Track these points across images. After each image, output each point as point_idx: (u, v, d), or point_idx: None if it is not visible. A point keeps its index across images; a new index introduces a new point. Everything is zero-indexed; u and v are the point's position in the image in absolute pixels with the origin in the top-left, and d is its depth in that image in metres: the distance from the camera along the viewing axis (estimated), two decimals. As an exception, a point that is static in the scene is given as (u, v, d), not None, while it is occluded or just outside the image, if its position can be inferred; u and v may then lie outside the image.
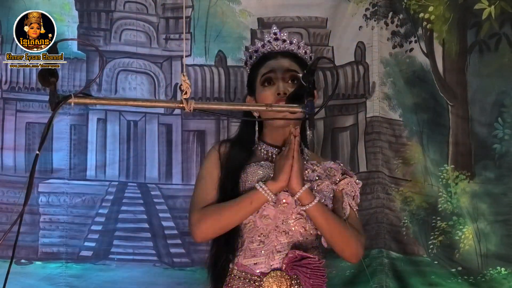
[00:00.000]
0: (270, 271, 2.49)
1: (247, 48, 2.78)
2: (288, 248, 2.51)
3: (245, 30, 3.85)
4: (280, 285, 2.48)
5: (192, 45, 3.82)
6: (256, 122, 2.61)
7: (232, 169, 2.55)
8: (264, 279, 2.48)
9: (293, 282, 2.49)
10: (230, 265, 2.52)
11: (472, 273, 3.69)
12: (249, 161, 2.58)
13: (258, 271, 2.50)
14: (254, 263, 2.51)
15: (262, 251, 2.50)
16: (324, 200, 2.55)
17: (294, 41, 2.70)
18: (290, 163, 2.42)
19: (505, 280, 3.62)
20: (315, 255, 2.52)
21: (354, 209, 2.62)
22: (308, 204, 2.46)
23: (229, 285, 2.52)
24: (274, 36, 2.68)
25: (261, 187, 2.44)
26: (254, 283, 2.49)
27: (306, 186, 2.47)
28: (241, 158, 2.58)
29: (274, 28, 2.72)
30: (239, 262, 2.51)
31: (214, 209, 2.49)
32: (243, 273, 2.51)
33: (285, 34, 2.70)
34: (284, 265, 2.49)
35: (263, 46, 2.69)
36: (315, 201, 2.47)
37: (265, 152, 2.61)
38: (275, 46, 2.66)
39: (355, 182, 2.63)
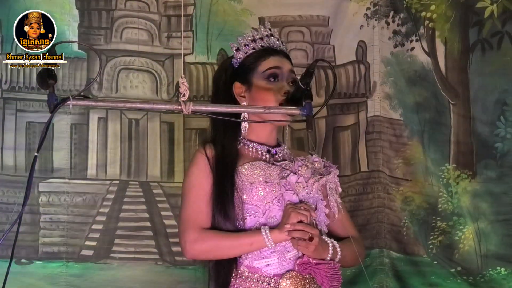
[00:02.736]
0: (286, 272, 2.47)
1: (252, 33, 2.67)
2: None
3: (246, 28, 3.79)
4: (297, 286, 2.47)
5: (194, 43, 3.81)
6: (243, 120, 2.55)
7: (225, 173, 2.49)
8: (280, 281, 2.46)
9: (305, 281, 2.48)
10: (241, 268, 2.49)
11: (471, 274, 3.69)
12: (240, 161, 2.52)
13: (271, 273, 2.47)
14: (266, 265, 2.48)
15: (273, 253, 2.47)
16: (320, 197, 2.55)
17: (283, 42, 2.67)
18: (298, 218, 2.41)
19: (504, 280, 3.62)
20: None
21: (341, 206, 2.60)
22: (335, 259, 2.50)
23: (240, 287, 2.48)
24: (270, 32, 2.64)
25: (265, 233, 2.41)
26: (268, 284, 2.47)
27: (330, 253, 2.49)
28: (231, 160, 2.52)
29: (268, 24, 2.67)
30: (250, 264, 2.48)
31: (213, 237, 2.45)
32: (255, 275, 2.47)
33: (276, 32, 2.67)
34: (297, 266, 2.48)
35: (261, 38, 2.63)
36: (339, 255, 2.50)
37: (254, 151, 2.57)
38: (273, 43, 2.62)
39: (334, 173, 2.59)
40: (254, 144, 2.58)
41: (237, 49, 2.63)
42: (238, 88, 2.60)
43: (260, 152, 2.58)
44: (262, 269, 2.48)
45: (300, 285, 2.47)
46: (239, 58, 2.63)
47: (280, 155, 2.61)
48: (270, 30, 2.64)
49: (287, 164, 2.55)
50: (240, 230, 2.48)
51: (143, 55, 3.79)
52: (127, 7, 3.79)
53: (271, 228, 2.44)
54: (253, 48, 2.62)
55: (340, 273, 2.50)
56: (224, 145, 2.54)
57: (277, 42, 2.64)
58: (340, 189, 2.62)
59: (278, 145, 2.65)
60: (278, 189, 2.50)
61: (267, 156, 2.58)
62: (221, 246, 2.45)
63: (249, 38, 2.63)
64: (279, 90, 2.53)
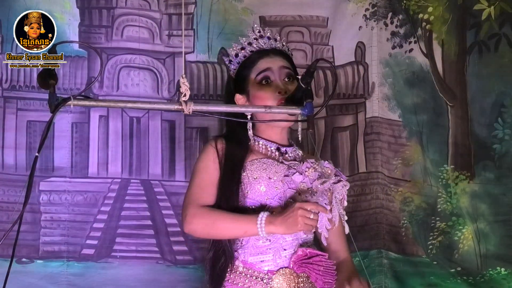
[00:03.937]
0: (279, 269, 2.50)
1: (240, 44, 2.72)
2: (293, 245, 2.53)
3: (247, 28, 3.81)
4: (290, 283, 2.49)
5: (195, 42, 3.82)
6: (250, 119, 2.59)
7: (232, 167, 2.54)
8: (273, 277, 2.49)
9: (299, 280, 2.51)
10: (236, 263, 2.53)
11: (471, 274, 3.69)
12: (249, 157, 2.57)
13: (265, 269, 2.51)
14: (261, 261, 2.52)
15: (269, 249, 2.51)
16: (325, 200, 2.55)
17: (278, 38, 2.69)
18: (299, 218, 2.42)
19: (504, 280, 3.60)
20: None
21: (342, 218, 2.59)
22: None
23: (234, 282, 2.52)
24: (259, 34, 2.68)
25: (260, 223, 2.42)
26: (261, 280, 2.50)
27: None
28: (240, 155, 2.57)
29: (257, 26, 2.71)
30: (245, 260, 2.52)
31: (211, 214, 2.48)
32: (250, 270, 2.51)
33: (269, 30, 2.70)
34: (292, 263, 2.50)
35: (249, 44, 2.67)
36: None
37: (263, 147, 2.61)
38: (263, 44, 2.65)
39: (344, 184, 2.61)
40: (264, 141, 2.63)
41: (230, 61, 2.70)
42: (239, 99, 2.66)
43: (269, 149, 2.62)
44: (256, 265, 2.51)
45: (293, 283, 2.50)
46: (234, 69, 2.68)
47: (291, 155, 2.64)
48: (259, 32, 2.67)
49: (295, 164, 2.58)
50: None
51: (144, 53, 3.80)
52: (128, 5, 3.80)
53: (271, 214, 2.45)
54: (244, 56, 2.65)
55: (334, 268, 2.51)
56: (234, 141, 2.60)
57: (268, 42, 2.66)
58: (346, 203, 2.62)
59: (290, 145, 2.69)
60: (281, 187, 2.53)
61: (276, 153, 2.62)
62: (216, 225, 2.49)
63: (239, 47, 2.68)
64: (273, 91, 2.57)
